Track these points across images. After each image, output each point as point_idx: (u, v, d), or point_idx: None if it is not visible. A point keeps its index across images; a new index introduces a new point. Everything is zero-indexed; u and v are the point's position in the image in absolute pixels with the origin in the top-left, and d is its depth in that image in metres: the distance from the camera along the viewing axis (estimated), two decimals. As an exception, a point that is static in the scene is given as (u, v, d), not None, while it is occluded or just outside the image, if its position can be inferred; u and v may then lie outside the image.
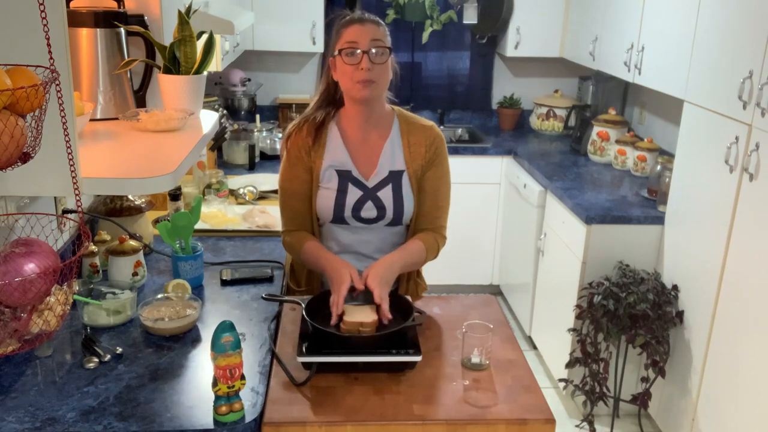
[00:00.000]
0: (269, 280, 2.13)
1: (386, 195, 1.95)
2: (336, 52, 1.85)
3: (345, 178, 1.94)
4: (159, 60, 1.79)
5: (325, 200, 1.95)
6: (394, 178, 1.96)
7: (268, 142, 3.80)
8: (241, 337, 1.69)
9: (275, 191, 3.10)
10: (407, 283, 2.08)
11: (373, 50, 1.81)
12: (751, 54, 2.33)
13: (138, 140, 1.64)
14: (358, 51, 1.81)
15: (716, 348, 2.58)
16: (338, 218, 1.96)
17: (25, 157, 1.18)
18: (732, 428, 2.48)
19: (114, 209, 2.23)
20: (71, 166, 1.24)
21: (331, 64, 1.91)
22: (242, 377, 1.41)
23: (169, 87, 1.77)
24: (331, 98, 1.98)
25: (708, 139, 2.63)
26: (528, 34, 4.33)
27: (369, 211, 1.95)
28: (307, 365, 1.58)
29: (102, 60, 1.75)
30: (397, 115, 2.00)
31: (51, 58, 1.16)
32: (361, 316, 1.70)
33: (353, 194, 1.94)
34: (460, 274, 4.40)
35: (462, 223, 4.30)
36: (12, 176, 1.30)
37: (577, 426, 3.19)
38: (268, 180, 3.26)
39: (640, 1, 3.28)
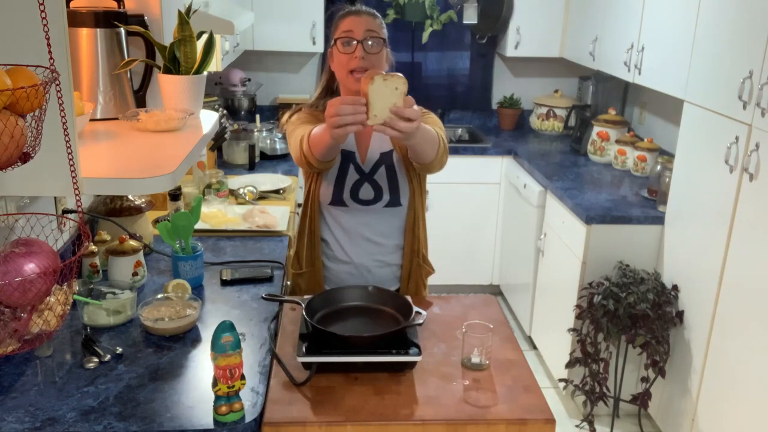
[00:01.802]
0: (269, 280, 2.13)
1: (382, 176, 2.00)
2: (332, 42, 1.92)
3: (347, 159, 2.00)
4: (159, 60, 1.79)
5: (326, 181, 2.00)
6: (385, 159, 2.01)
7: (268, 142, 3.80)
8: (241, 337, 1.69)
9: (276, 191, 3.10)
10: (410, 267, 2.09)
11: (369, 41, 1.87)
12: (751, 54, 2.33)
13: (138, 140, 1.63)
14: (353, 41, 1.87)
15: (716, 348, 2.58)
16: (337, 200, 2.00)
17: (25, 157, 1.17)
18: (732, 428, 2.48)
19: (114, 209, 2.23)
20: (71, 166, 1.24)
21: (329, 54, 1.98)
22: (242, 377, 1.41)
23: (169, 87, 1.77)
24: (331, 89, 2.06)
25: (708, 139, 2.63)
26: (528, 34, 4.33)
27: (367, 191, 2.00)
28: (307, 365, 1.58)
29: (102, 60, 1.75)
30: None
31: (51, 58, 1.16)
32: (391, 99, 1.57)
33: (352, 177, 1.99)
34: (460, 274, 4.40)
35: (462, 223, 4.31)
36: (12, 176, 1.30)
37: (577, 426, 3.19)
38: (268, 180, 3.26)
39: (640, 1, 3.28)
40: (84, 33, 1.73)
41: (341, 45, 1.89)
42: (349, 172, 1.99)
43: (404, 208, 2.05)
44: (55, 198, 2.02)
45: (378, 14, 1.96)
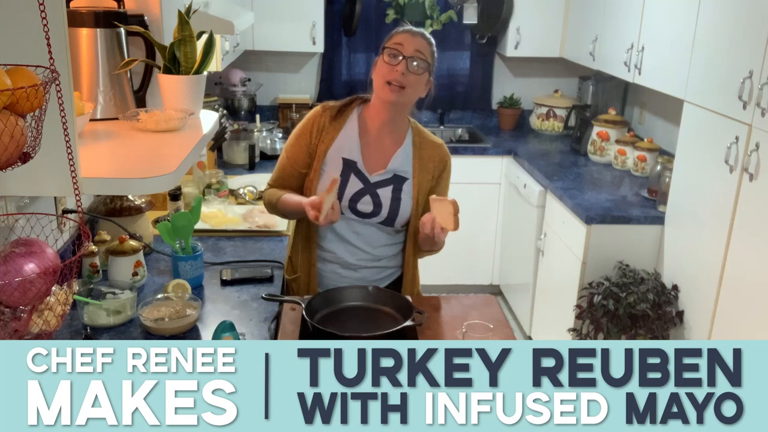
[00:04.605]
0: (269, 280, 2.13)
1: (385, 194, 1.98)
2: (381, 50, 1.93)
3: (349, 167, 1.98)
4: (159, 60, 1.79)
5: (326, 186, 1.97)
6: (397, 181, 2.00)
7: (268, 142, 3.80)
8: (241, 337, 1.69)
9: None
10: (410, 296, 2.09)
11: (414, 61, 1.89)
12: (751, 54, 2.33)
13: (138, 140, 1.63)
14: (400, 55, 1.88)
15: (716, 348, 2.58)
16: None
17: (25, 157, 1.17)
18: (732, 428, 2.48)
19: (114, 209, 2.23)
20: (71, 166, 1.23)
21: (374, 63, 1.99)
22: (242, 377, 1.40)
23: (169, 87, 1.77)
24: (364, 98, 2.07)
25: (708, 139, 2.63)
26: (528, 34, 4.33)
27: (366, 204, 1.98)
28: (307, 365, 1.58)
29: (102, 60, 1.75)
30: (412, 127, 2.07)
31: (51, 58, 1.16)
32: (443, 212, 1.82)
33: (354, 185, 1.97)
34: (460, 274, 4.40)
35: (462, 223, 4.29)
36: (12, 176, 1.29)
37: (577, 426, 3.19)
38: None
39: (640, 1, 3.28)
40: (84, 33, 1.73)
41: (388, 56, 1.90)
42: (351, 181, 1.97)
43: (394, 230, 2.04)
44: (55, 198, 2.02)
45: (433, 41, 1.98)
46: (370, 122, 2.01)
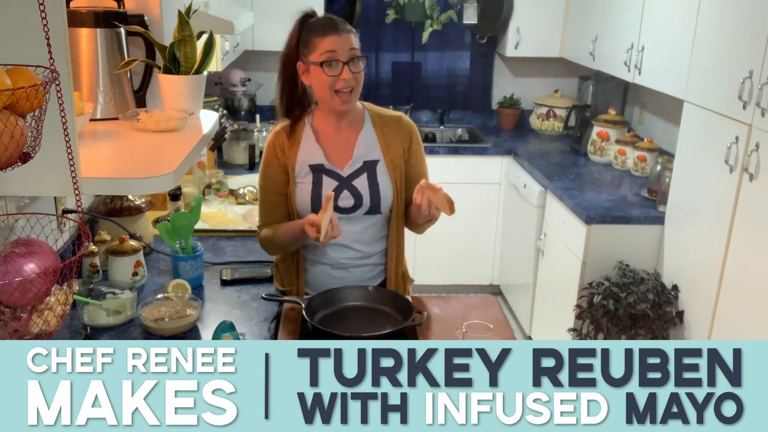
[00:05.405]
0: (269, 280, 2.13)
1: (362, 184, 1.98)
2: (316, 63, 1.87)
3: (318, 171, 1.97)
4: (159, 60, 1.79)
5: (303, 194, 1.98)
6: (368, 167, 1.99)
7: (268, 142, 3.79)
8: (241, 337, 1.69)
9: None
10: (395, 278, 2.08)
11: (354, 60, 1.86)
12: (751, 54, 2.33)
13: (138, 140, 1.63)
14: (339, 63, 1.85)
15: (716, 348, 2.58)
16: (317, 210, 1.96)
17: (25, 157, 1.17)
18: (732, 428, 2.48)
19: (114, 209, 2.23)
20: (71, 166, 1.23)
21: (301, 68, 1.93)
22: (242, 377, 1.40)
23: (169, 87, 1.77)
24: (298, 100, 2.00)
25: (708, 139, 2.63)
26: (528, 34, 4.33)
27: (346, 199, 1.97)
28: (307, 365, 1.58)
29: (102, 60, 1.75)
30: (368, 110, 2.05)
31: (51, 58, 1.16)
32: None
33: (329, 185, 1.96)
34: (460, 274, 4.40)
35: (462, 223, 4.30)
36: (12, 176, 1.29)
37: (577, 426, 3.19)
38: (268, 180, 3.26)
39: (640, 1, 3.28)
40: (84, 33, 1.73)
41: (327, 67, 1.85)
42: (324, 182, 1.96)
43: (383, 217, 2.03)
44: (55, 198, 2.02)
45: (352, 27, 1.93)
46: (324, 125, 2.00)
